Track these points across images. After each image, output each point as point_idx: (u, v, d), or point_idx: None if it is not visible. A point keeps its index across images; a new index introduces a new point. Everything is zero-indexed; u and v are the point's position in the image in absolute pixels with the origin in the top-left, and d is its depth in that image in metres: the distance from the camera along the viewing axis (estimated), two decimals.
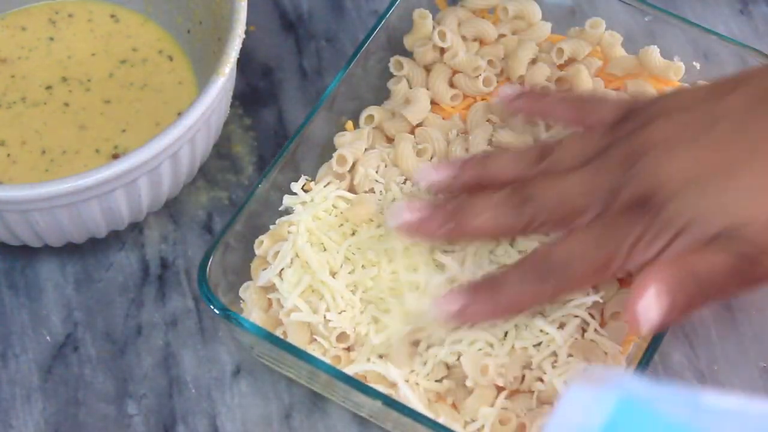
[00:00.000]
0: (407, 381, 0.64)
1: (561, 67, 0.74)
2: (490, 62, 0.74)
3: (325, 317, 0.64)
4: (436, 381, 0.64)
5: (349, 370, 0.63)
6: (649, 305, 0.58)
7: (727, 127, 0.60)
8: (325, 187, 0.69)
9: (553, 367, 0.63)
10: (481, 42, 0.76)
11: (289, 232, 0.67)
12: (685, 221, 0.59)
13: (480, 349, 0.64)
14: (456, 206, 0.63)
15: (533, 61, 0.74)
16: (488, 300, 0.62)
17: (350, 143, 0.70)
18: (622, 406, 0.38)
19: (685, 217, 0.59)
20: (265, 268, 0.67)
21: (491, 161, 0.65)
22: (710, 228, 0.59)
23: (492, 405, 0.63)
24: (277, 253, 0.67)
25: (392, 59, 0.75)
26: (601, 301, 0.65)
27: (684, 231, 0.59)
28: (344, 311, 0.65)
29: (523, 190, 0.63)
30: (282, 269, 0.66)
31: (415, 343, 0.64)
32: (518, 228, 0.63)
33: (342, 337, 0.64)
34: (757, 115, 0.59)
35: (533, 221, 0.62)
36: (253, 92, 0.80)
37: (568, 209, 0.62)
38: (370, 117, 0.73)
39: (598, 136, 0.63)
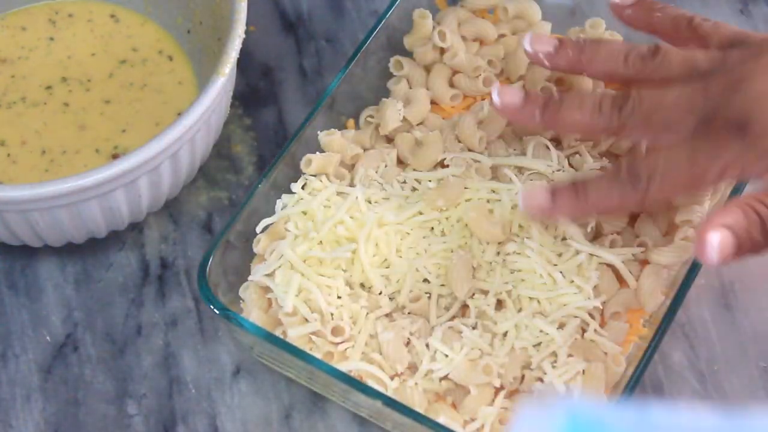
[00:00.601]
0: (404, 381, 0.64)
1: None
2: (490, 62, 0.74)
3: (322, 316, 0.64)
4: (441, 380, 0.64)
5: (343, 367, 0.63)
6: (714, 243, 0.59)
7: None
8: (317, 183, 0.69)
9: (553, 367, 0.63)
10: (481, 42, 0.76)
11: (287, 230, 0.67)
12: None
13: (473, 359, 0.64)
14: (553, 99, 0.64)
15: None
16: (573, 198, 0.63)
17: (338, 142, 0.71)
18: (571, 424, 0.39)
19: None
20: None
21: (599, 48, 0.66)
22: None
23: (491, 404, 0.63)
24: (272, 252, 0.67)
25: (392, 59, 0.75)
26: (600, 306, 0.66)
27: None
28: (340, 300, 0.65)
29: (624, 92, 0.63)
30: (275, 270, 0.66)
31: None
32: (611, 129, 0.64)
33: (337, 330, 0.64)
34: None
35: (627, 125, 0.63)
36: (253, 92, 0.80)
37: (663, 119, 0.62)
38: (370, 117, 0.73)
39: (708, 55, 0.63)
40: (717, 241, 0.59)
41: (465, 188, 0.68)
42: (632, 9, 0.69)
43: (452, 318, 0.66)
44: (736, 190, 0.68)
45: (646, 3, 0.69)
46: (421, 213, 0.68)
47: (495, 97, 0.66)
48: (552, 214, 0.64)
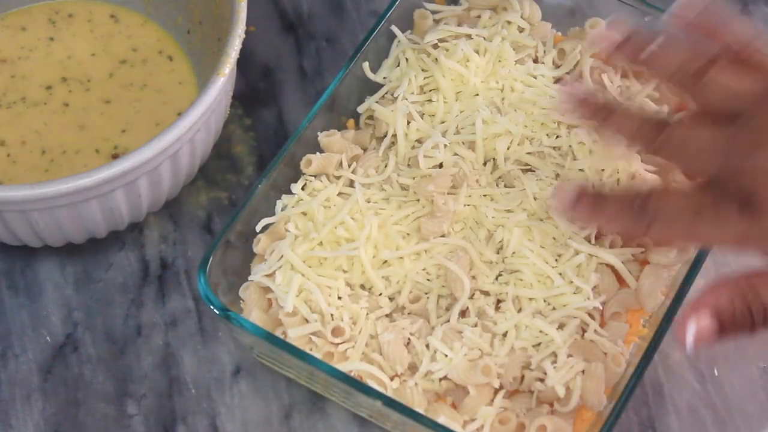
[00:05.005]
0: (404, 381, 0.64)
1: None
2: None
3: (322, 316, 0.64)
4: (440, 380, 0.64)
5: (343, 367, 0.63)
6: (693, 330, 0.58)
7: None
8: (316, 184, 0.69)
9: (553, 367, 0.63)
10: None
11: (287, 230, 0.67)
12: None
13: (472, 359, 0.64)
14: (609, 107, 0.64)
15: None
16: (591, 207, 0.63)
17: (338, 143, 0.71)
18: None
19: None
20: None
21: (664, 46, 0.63)
22: None
23: (491, 404, 0.63)
24: (272, 252, 0.67)
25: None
26: (600, 306, 0.66)
27: None
28: (341, 301, 0.65)
29: (661, 124, 0.62)
30: (275, 270, 0.66)
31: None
32: (647, 148, 0.63)
33: (337, 331, 0.64)
34: None
35: (661, 151, 0.62)
36: (253, 92, 0.80)
37: (684, 167, 0.63)
38: (370, 119, 0.73)
39: (751, 91, 0.60)
40: (693, 331, 0.58)
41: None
42: (695, 18, 0.64)
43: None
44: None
45: (709, 11, 0.64)
46: (420, 213, 0.68)
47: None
48: (571, 214, 0.64)
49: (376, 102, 0.72)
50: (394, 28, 0.74)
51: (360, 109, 0.73)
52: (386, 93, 0.73)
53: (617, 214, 0.62)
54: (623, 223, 0.62)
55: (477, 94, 0.72)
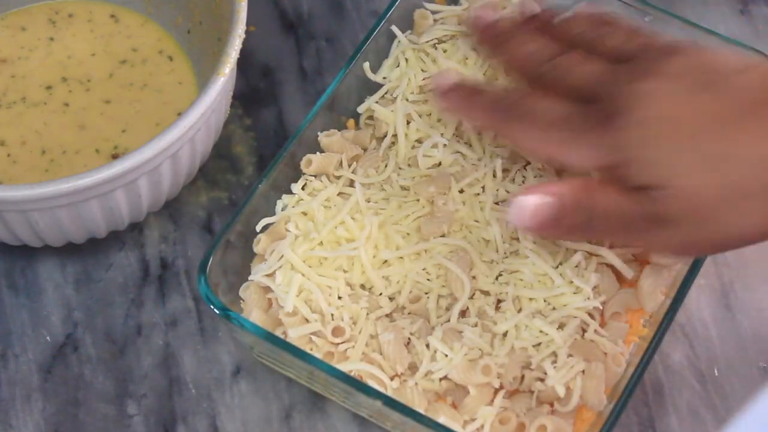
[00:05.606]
0: (404, 381, 0.64)
1: None
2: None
3: (322, 316, 0.64)
4: (440, 380, 0.64)
5: (344, 367, 0.63)
6: (529, 207, 0.60)
7: (715, 98, 0.58)
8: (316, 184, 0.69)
9: (553, 367, 0.63)
10: None
11: (287, 230, 0.67)
12: (625, 156, 0.59)
13: (472, 359, 0.64)
14: (509, 30, 0.66)
15: None
16: (463, 97, 0.65)
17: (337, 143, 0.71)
18: None
19: (633, 150, 0.58)
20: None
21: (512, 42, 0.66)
22: (642, 174, 0.58)
23: (491, 404, 0.63)
24: (273, 252, 0.67)
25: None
26: (600, 306, 0.66)
27: (625, 161, 0.59)
28: (341, 301, 0.65)
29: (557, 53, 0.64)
30: (275, 270, 0.66)
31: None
32: (535, 67, 0.64)
33: (337, 331, 0.64)
34: (753, 98, 0.58)
35: (546, 69, 0.63)
36: (253, 92, 0.80)
37: (571, 78, 0.62)
38: (369, 119, 0.73)
39: (643, 44, 0.62)
40: (535, 201, 0.60)
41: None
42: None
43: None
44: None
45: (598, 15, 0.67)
46: (420, 213, 0.68)
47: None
48: (444, 102, 0.65)
49: (376, 102, 0.72)
50: (394, 28, 0.74)
51: (360, 109, 0.73)
52: (386, 93, 0.73)
53: (489, 107, 0.63)
54: (494, 117, 0.63)
55: None
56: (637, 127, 0.58)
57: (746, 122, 0.58)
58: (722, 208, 0.57)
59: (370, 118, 0.73)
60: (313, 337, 0.64)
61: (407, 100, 0.71)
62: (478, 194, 0.68)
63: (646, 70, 0.60)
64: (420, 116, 0.71)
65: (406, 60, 0.73)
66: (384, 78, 0.73)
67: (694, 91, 0.59)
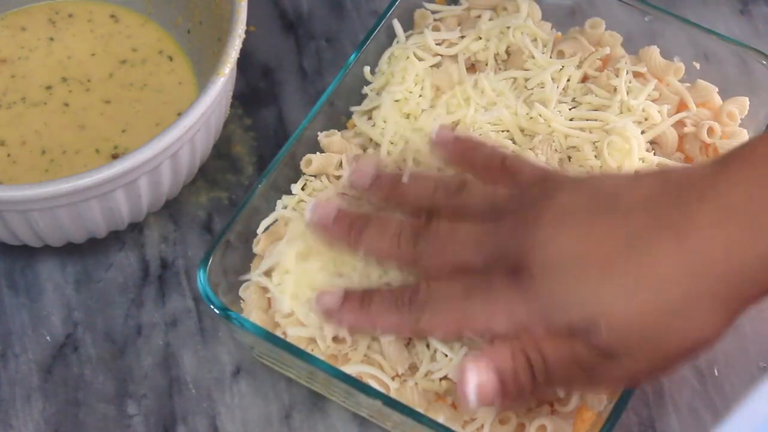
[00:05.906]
0: (404, 381, 0.64)
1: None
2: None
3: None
4: (441, 380, 0.64)
5: (345, 370, 0.63)
6: (474, 385, 0.57)
7: (618, 220, 0.57)
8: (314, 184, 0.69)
9: None
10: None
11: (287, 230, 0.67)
12: (545, 303, 0.57)
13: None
14: (362, 220, 0.63)
15: None
16: (356, 310, 0.62)
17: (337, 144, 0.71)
18: None
19: (547, 299, 0.57)
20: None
21: (411, 181, 0.64)
22: (569, 317, 0.57)
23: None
24: (271, 252, 0.67)
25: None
26: None
27: (544, 313, 0.57)
28: None
29: (421, 227, 0.62)
30: (272, 271, 0.66)
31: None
32: (407, 259, 0.62)
33: (338, 339, 0.64)
34: (649, 213, 0.56)
35: (422, 257, 0.61)
36: (253, 92, 0.80)
37: (453, 254, 0.61)
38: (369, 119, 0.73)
39: (508, 193, 0.62)
40: (475, 383, 0.57)
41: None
42: (451, 146, 0.66)
43: None
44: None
45: (462, 140, 0.66)
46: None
47: (307, 214, 0.63)
48: (335, 321, 0.62)
49: (372, 100, 0.72)
50: (395, 23, 0.74)
51: (355, 116, 0.73)
52: (381, 91, 0.73)
53: (387, 309, 0.61)
54: (395, 318, 0.61)
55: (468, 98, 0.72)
56: (542, 277, 0.57)
57: (651, 239, 0.56)
58: (660, 326, 0.56)
59: (369, 119, 0.73)
60: (316, 340, 0.64)
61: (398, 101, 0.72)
62: None
63: (533, 219, 0.58)
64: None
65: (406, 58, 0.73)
66: (374, 73, 0.74)
67: (588, 223, 0.57)
